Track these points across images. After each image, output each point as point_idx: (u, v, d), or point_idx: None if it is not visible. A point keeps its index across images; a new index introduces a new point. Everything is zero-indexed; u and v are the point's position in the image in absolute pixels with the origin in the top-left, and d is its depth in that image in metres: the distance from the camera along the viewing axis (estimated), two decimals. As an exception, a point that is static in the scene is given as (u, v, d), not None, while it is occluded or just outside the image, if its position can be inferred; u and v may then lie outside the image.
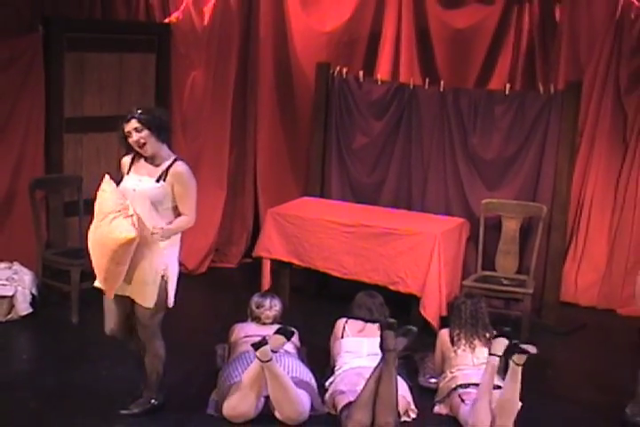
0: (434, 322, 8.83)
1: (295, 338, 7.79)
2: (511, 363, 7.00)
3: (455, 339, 7.63)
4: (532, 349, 7.05)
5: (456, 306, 7.89)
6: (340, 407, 7.03)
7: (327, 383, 7.43)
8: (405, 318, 8.52)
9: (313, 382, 7.31)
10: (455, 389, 7.32)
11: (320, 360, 7.89)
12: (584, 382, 8.39)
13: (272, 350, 6.87)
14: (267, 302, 8.08)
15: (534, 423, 7.29)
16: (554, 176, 9.51)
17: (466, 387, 7.27)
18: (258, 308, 8.07)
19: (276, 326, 7.81)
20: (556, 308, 9.74)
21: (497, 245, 9.53)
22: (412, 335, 7.13)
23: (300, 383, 7.08)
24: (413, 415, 7.29)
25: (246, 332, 7.81)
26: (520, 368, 6.98)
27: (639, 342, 9.31)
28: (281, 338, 6.96)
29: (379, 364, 6.96)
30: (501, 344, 7.09)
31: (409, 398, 7.28)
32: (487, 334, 7.60)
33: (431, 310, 8.90)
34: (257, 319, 8.04)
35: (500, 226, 9.54)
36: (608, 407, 7.75)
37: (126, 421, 7.01)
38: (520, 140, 9.68)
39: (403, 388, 7.19)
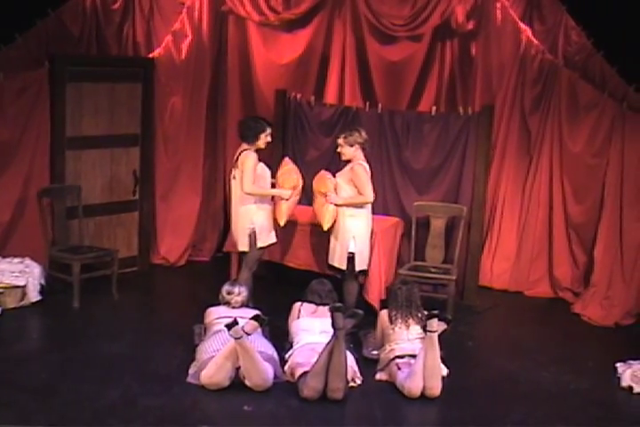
0: (375, 304, 8.84)
1: None
2: (428, 333, 7.15)
3: (393, 318, 7.66)
4: (443, 325, 7.24)
5: (393, 291, 7.94)
6: (297, 376, 7.09)
7: (287, 356, 7.44)
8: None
9: (275, 355, 7.37)
10: (393, 359, 7.39)
11: (280, 337, 7.91)
12: (498, 351, 8.51)
13: (247, 333, 6.94)
14: (235, 290, 8.09)
15: (458, 387, 7.38)
16: (472, 182, 9.62)
17: (402, 358, 7.35)
18: (228, 294, 8.07)
19: (243, 309, 7.94)
20: (475, 291, 9.86)
21: (426, 240, 9.62)
22: (358, 317, 7.22)
23: (264, 357, 7.13)
24: (359, 381, 7.37)
25: (219, 314, 7.82)
26: (435, 335, 7.13)
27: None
28: (255, 324, 7.04)
29: (330, 340, 7.02)
30: (435, 323, 7.20)
31: (355, 367, 7.36)
32: (419, 314, 7.65)
33: (373, 294, 8.92)
34: (227, 304, 8.05)
35: (428, 224, 9.63)
36: (517, 371, 7.92)
37: (119, 387, 7.04)
38: (444, 153, 9.78)
39: (350, 359, 7.25)
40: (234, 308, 8.00)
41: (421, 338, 7.39)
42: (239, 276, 8.78)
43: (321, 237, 9.06)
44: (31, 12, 9.25)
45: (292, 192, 8.62)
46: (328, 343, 7.02)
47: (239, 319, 7.05)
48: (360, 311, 7.29)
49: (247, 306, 8.13)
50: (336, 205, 8.52)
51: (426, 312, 7.48)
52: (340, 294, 8.54)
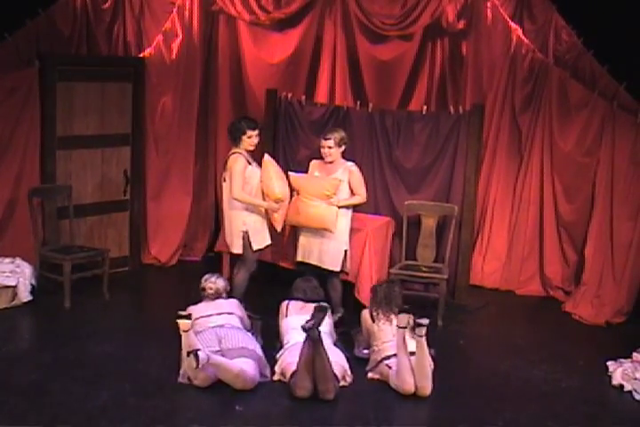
0: (367, 304, 8.73)
1: (241, 311, 8.01)
2: (416, 337, 7.13)
3: (375, 316, 7.70)
4: (424, 321, 7.19)
5: (372, 290, 8.01)
6: (288, 376, 7.08)
7: (277, 356, 7.44)
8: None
9: (258, 350, 7.37)
10: (382, 360, 7.39)
11: (273, 336, 7.94)
12: (489, 350, 8.53)
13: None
14: (213, 278, 8.20)
15: (449, 385, 7.38)
16: (463, 182, 9.59)
17: (390, 358, 7.34)
18: (205, 281, 8.17)
19: (218, 302, 8.05)
20: (467, 290, 9.85)
21: (417, 239, 9.61)
22: (325, 311, 7.14)
23: (246, 353, 7.17)
24: (350, 380, 7.34)
25: (199, 313, 7.79)
26: (424, 339, 7.11)
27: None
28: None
29: (304, 342, 6.98)
30: (404, 318, 7.22)
31: (346, 366, 7.34)
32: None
33: (364, 293, 8.84)
34: (203, 290, 8.14)
35: (419, 223, 9.62)
36: (509, 369, 7.92)
37: (110, 387, 7.02)
38: (435, 152, 9.75)
39: (341, 357, 7.29)
40: (209, 300, 8.06)
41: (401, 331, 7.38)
42: (236, 276, 8.76)
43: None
44: (21, 11, 9.23)
45: (279, 205, 8.55)
46: (304, 343, 6.98)
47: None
48: (326, 304, 7.33)
49: (231, 297, 8.28)
50: (338, 206, 8.57)
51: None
52: (325, 291, 8.60)
